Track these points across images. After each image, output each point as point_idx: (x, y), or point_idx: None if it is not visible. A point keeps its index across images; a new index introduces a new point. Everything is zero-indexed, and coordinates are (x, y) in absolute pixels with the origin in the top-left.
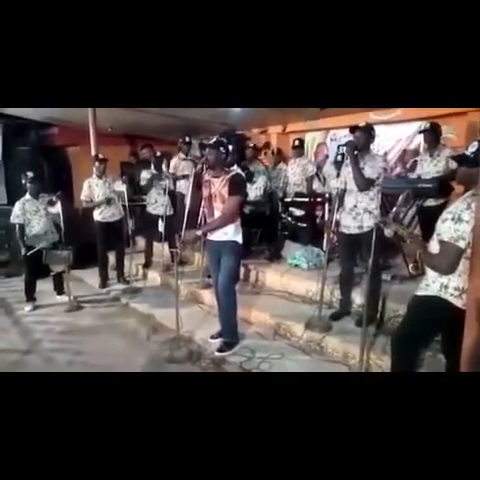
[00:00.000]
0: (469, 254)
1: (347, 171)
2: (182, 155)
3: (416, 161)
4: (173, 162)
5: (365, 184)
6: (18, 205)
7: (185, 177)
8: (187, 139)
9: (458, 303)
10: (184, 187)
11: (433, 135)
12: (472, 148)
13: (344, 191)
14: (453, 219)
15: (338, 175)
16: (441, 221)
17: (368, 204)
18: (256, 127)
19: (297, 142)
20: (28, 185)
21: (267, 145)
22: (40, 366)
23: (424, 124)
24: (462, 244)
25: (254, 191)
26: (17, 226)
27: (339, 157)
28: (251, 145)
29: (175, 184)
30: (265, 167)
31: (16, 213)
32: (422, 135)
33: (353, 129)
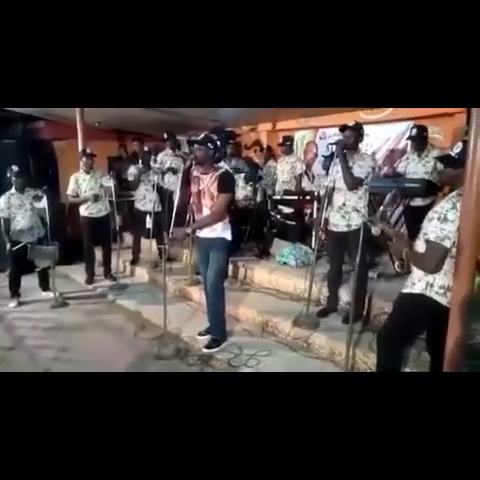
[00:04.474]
0: (454, 253)
1: (336, 170)
2: (169, 151)
3: (402, 161)
4: (160, 157)
5: (354, 183)
6: (3, 199)
7: (170, 170)
8: (165, 136)
9: (443, 301)
10: (171, 182)
11: (420, 139)
12: (457, 149)
13: (333, 189)
14: (439, 219)
15: (327, 173)
16: (427, 220)
17: (356, 203)
18: (246, 124)
19: (284, 140)
20: (13, 179)
21: (257, 143)
22: (25, 363)
23: (411, 130)
24: (447, 244)
25: (246, 190)
26: (2, 220)
27: (327, 160)
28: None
29: (163, 179)
30: (255, 164)
31: (1, 207)
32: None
33: (343, 128)
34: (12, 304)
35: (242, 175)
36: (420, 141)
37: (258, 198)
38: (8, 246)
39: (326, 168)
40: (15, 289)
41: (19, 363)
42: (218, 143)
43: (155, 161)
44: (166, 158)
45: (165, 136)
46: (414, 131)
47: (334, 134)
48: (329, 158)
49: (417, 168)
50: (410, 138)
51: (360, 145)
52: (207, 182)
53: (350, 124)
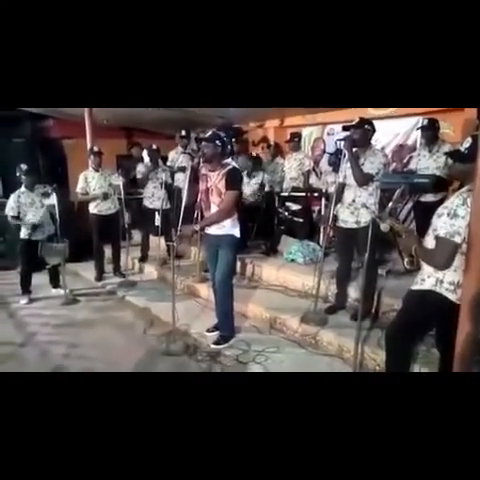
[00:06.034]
0: (464, 249)
1: (347, 166)
2: (180, 149)
3: (412, 156)
4: (171, 155)
5: (363, 179)
6: (13, 197)
7: (181, 169)
8: (183, 133)
9: (453, 298)
10: (181, 180)
11: (431, 132)
12: (466, 144)
13: (343, 186)
14: (449, 214)
15: (334, 170)
16: (437, 216)
17: (367, 199)
18: (253, 121)
19: (292, 137)
20: (23, 177)
21: (264, 139)
22: (35, 359)
23: (422, 120)
24: (458, 239)
25: (251, 186)
26: (12, 218)
27: (332, 157)
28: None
29: (173, 177)
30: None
31: (11, 205)
32: (420, 131)
33: (345, 127)
34: (23, 301)
35: (245, 172)
36: (431, 132)
37: (266, 188)
38: (22, 233)
39: (332, 165)
40: (26, 286)
41: (30, 360)
42: (226, 140)
43: (163, 160)
44: (176, 156)
45: (184, 133)
46: (425, 122)
47: (342, 130)
48: (334, 155)
49: (428, 163)
50: (422, 128)
51: (372, 141)
52: (215, 179)
53: (353, 122)
